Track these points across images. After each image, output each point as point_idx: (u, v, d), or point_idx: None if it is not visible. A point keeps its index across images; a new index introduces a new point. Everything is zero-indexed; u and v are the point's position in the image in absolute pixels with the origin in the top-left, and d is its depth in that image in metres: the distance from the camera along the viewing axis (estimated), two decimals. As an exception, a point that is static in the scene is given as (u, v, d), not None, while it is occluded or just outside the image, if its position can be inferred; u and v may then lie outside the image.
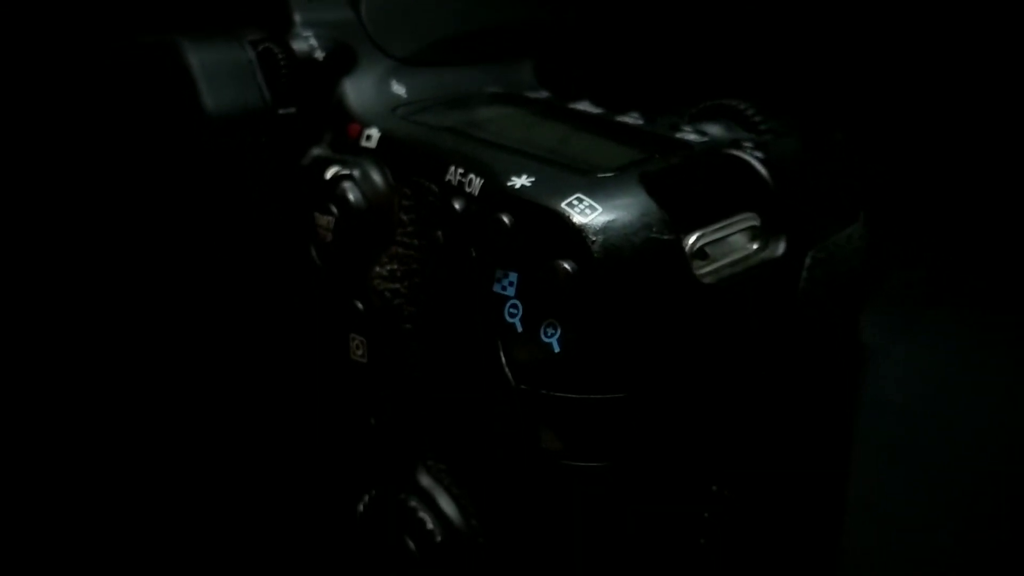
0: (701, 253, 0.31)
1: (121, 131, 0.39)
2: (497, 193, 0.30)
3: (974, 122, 0.64)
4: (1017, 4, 0.62)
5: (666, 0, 0.59)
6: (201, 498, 0.44)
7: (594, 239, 0.28)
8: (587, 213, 0.29)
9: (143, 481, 0.45)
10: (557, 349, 0.29)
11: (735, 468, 0.33)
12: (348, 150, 0.35)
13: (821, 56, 0.62)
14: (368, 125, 0.35)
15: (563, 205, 0.29)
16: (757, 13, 0.62)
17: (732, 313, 0.31)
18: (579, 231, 0.28)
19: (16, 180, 0.44)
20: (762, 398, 0.33)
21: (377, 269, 0.35)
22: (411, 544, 0.34)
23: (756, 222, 0.33)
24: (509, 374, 0.30)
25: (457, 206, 0.31)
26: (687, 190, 0.31)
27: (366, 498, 0.36)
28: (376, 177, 0.34)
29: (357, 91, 0.37)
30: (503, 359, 0.30)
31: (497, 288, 0.30)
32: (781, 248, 0.33)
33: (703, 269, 0.31)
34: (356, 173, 0.34)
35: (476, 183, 0.31)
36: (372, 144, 0.35)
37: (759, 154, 0.33)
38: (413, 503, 0.34)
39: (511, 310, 0.30)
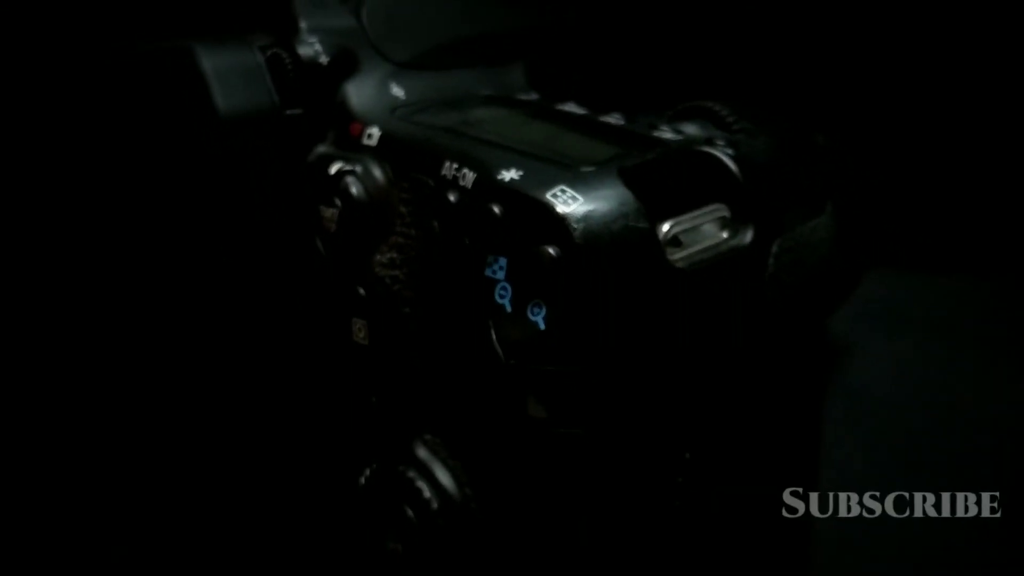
0: (675, 240, 0.32)
1: (138, 132, 0.39)
2: (488, 186, 0.32)
3: (960, 120, 0.62)
4: (1010, 3, 0.61)
5: (651, 6, 0.59)
6: (214, 474, 0.44)
7: (576, 227, 0.30)
8: (570, 203, 0.30)
9: (149, 456, 0.45)
10: (543, 327, 0.30)
11: (706, 437, 0.34)
12: (351, 148, 0.36)
13: (809, 60, 0.61)
14: (369, 124, 0.36)
15: (548, 196, 0.30)
16: (744, 17, 0.61)
17: (703, 296, 0.32)
18: (562, 219, 0.30)
19: (37, 181, 0.45)
20: (734, 375, 0.34)
21: (378, 257, 0.36)
22: (410, 512, 0.35)
23: (726, 213, 0.34)
24: (500, 351, 0.31)
25: (452, 198, 0.33)
26: (662, 183, 0.32)
27: (368, 471, 0.37)
28: (377, 172, 0.35)
29: (359, 93, 0.37)
30: (494, 337, 0.31)
31: (488, 272, 0.31)
32: (749, 236, 0.34)
33: (676, 255, 0.32)
34: (358, 169, 0.35)
35: (469, 177, 0.32)
36: (373, 142, 0.36)
37: (730, 151, 0.34)
38: (411, 474, 0.35)
39: (501, 292, 0.31)
